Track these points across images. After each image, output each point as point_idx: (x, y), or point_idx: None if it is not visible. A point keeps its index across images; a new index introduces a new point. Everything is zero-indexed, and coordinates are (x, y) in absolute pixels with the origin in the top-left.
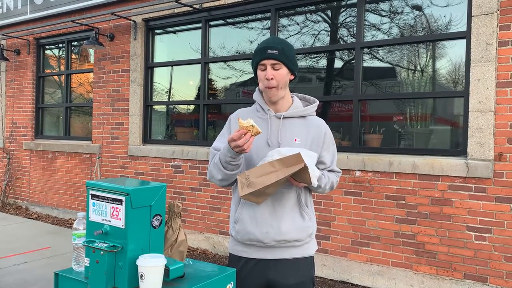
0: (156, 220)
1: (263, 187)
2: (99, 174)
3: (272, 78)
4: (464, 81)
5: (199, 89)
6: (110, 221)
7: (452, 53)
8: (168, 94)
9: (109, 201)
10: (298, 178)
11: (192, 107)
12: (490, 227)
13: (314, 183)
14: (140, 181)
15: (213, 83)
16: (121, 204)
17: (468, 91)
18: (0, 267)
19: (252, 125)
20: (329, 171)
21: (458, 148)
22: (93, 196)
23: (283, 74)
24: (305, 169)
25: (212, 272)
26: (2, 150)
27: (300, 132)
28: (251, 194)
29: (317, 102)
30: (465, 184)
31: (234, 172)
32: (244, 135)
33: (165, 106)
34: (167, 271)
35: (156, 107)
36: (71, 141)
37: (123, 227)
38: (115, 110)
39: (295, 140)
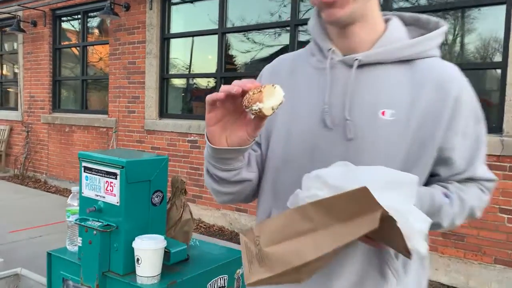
0: (157, 197)
1: (292, 268)
2: (115, 148)
3: None
4: (502, 51)
5: (216, 64)
6: (104, 197)
7: (488, 22)
8: (185, 67)
9: (103, 175)
10: (379, 239)
11: (209, 81)
12: None
13: (418, 249)
14: (139, 152)
15: (231, 56)
16: (116, 178)
17: (507, 62)
18: (15, 240)
19: (273, 86)
20: (464, 180)
21: (493, 124)
22: (86, 169)
23: None
24: (391, 226)
25: (220, 255)
26: (21, 123)
27: (397, 94)
28: (269, 279)
29: (444, 28)
30: (499, 163)
31: (232, 174)
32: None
33: (182, 79)
34: (167, 254)
35: (173, 81)
36: (88, 114)
37: (118, 204)
38: (131, 83)
39: (383, 113)
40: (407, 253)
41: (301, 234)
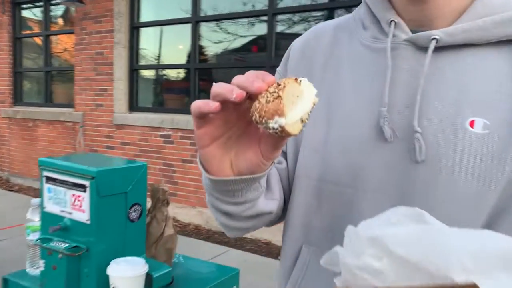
0: (135, 211)
1: None
2: (82, 144)
3: None
4: None
5: (189, 55)
6: (71, 213)
7: None
8: (156, 58)
9: (69, 187)
10: None
11: (182, 72)
12: None
13: None
14: (113, 158)
15: (204, 47)
16: (85, 191)
17: None
18: None
19: (297, 81)
20: None
21: None
22: (48, 179)
23: None
24: None
25: (209, 274)
26: None
27: (494, 96)
28: None
29: None
30: None
31: (241, 209)
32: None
33: (153, 71)
34: (149, 278)
35: (144, 72)
36: (52, 108)
37: (88, 222)
38: (99, 75)
39: (471, 123)
40: None
41: None
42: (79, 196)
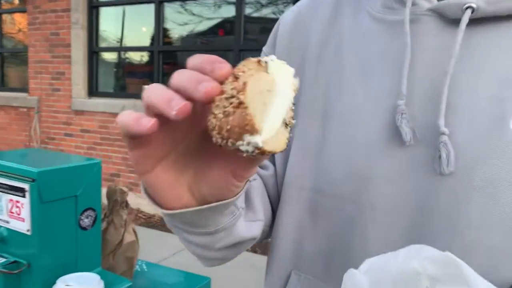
0: (87, 218)
1: None
2: (38, 131)
3: None
4: None
5: (153, 37)
6: (8, 222)
7: None
8: (117, 40)
9: (5, 190)
10: None
11: (145, 56)
12: None
13: None
14: (60, 154)
15: (169, 30)
16: (24, 196)
17: None
18: None
19: (261, 63)
20: None
21: None
22: None
23: None
24: None
25: (177, 284)
26: None
27: None
28: None
29: None
30: None
31: (230, 250)
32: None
33: (114, 54)
34: None
35: (105, 56)
36: (4, 93)
37: (28, 233)
38: (55, 57)
39: None
40: None
41: None
42: (17, 202)
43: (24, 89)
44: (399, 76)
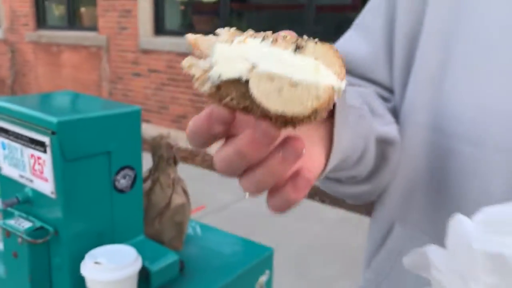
0: (124, 178)
1: None
2: (107, 71)
3: None
4: None
5: None
6: (32, 180)
7: None
8: None
9: (26, 143)
10: None
11: None
12: None
13: None
14: (93, 99)
15: None
16: (45, 152)
17: None
18: None
19: (235, 82)
20: None
21: None
22: (1, 129)
23: None
24: None
25: (235, 256)
26: (4, 43)
27: None
28: None
29: None
30: None
31: (362, 189)
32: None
33: None
34: (146, 273)
35: None
36: (76, 32)
37: (53, 196)
38: None
39: None
40: None
41: None
42: (39, 158)
43: (93, 28)
44: None
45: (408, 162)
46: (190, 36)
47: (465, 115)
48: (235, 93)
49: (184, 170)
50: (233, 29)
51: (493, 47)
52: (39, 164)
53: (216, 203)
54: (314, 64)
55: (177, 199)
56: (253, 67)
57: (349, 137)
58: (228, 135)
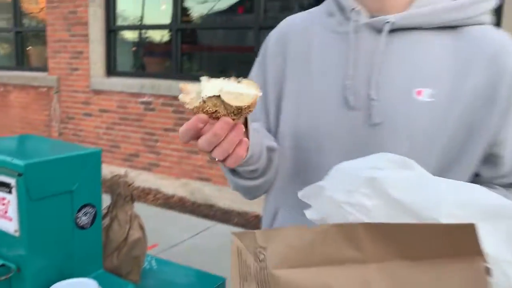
0: (85, 215)
1: None
2: (58, 111)
3: None
4: None
5: (172, 16)
6: None
7: None
8: (136, 18)
9: None
10: None
11: (164, 35)
12: None
13: None
14: (55, 142)
15: (188, 8)
16: (10, 192)
17: None
18: None
19: (215, 97)
20: (509, 185)
21: None
22: None
23: None
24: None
25: (190, 286)
26: None
27: (437, 70)
28: None
29: None
30: None
31: (258, 182)
32: (203, 123)
33: (133, 33)
34: None
35: (122, 33)
36: (25, 72)
37: (16, 234)
38: (73, 36)
39: (418, 93)
40: None
41: (336, 263)
42: (3, 199)
43: (43, 68)
44: (347, 65)
45: (283, 167)
46: (181, 84)
47: (311, 137)
48: (211, 102)
49: (136, 209)
50: (207, 77)
51: (318, 99)
52: (3, 204)
53: (168, 240)
54: (246, 86)
55: (134, 234)
56: (221, 89)
57: (254, 141)
58: (199, 135)
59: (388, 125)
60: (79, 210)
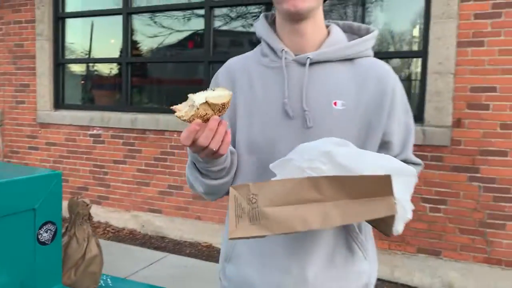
0: (46, 232)
1: (289, 232)
2: (1, 145)
3: None
4: (422, 40)
5: (121, 49)
6: None
7: (409, 11)
8: (85, 52)
9: None
10: (367, 219)
11: (113, 68)
12: (445, 198)
13: (398, 230)
14: (18, 167)
15: (137, 42)
16: None
17: (427, 50)
18: None
19: (204, 103)
20: None
21: (415, 114)
22: None
23: None
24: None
25: None
26: None
27: (345, 88)
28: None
29: (375, 33)
30: (420, 153)
31: (224, 180)
32: (199, 126)
33: (82, 66)
34: None
35: (72, 67)
36: None
37: None
38: (19, 69)
39: (335, 104)
40: (389, 233)
41: (306, 202)
42: None
43: None
44: (283, 89)
45: (243, 169)
46: (172, 107)
47: (262, 143)
48: (202, 108)
49: None
50: (192, 94)
51: (264, 114)
52: None
53: (119, 272)
54: (221, 89)
55: (92, 251)
56: (206, 96)
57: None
58: (195, 139)
59: (317, 127)
60: (41, 227)
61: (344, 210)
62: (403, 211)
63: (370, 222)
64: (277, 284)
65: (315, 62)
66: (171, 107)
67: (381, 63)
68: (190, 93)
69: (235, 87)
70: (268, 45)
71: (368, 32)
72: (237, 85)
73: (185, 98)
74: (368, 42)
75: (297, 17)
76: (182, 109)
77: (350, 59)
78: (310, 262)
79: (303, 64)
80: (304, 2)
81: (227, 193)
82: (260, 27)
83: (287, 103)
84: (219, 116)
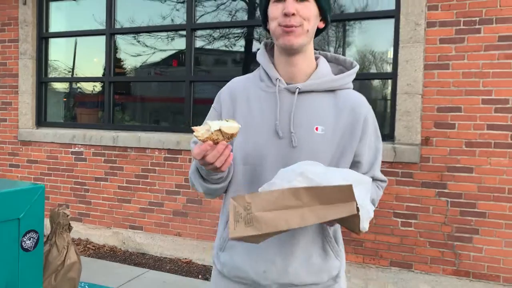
0: (29, 239)
1: (275, 232)
2: None
3: (293, 14)
4: (392, 63)
5: (104, 68)
6: None
7: (379, 34)
8: (67, 70)
9: None
10: (337, 221)
11: (96, 86)
12: (416, 213)
13: (365, 228)
14: (4, 180)
15: (120, 61)
16: None
17: (397, 72)
18: None
19: (217, 130)
20: None
21: (386, 132)
22: None
23: (310, 10)
24: (356, 215)
25: None
26: None
27: (325, 115)
28: (251, 237)
29: (356, 68)
30: (391, 170)
31: (221, 185)
32: (210, 147)
33: (65, 84)
34: None
35: (55, 85)
36: None
37: None
38: (2, 87)
39: (316, 129)
40: (358, 231)
41: (289, 208)
42: None
43: None
44: (275, 112)
45: (236, 179)
46: (193, 127)
47: (254, 155)
48: (215, 133)
49: None
50: (210, 121)
51: (257, 132)
52: None
53: None
54: (232, 122)
55: (71, 258)
56: (220, 125)
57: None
58: (205, 156)
59: (301, 147)
60: (24, 235)
61: (317, 212)
62: (366, 211)
63: (341, 223)
64: (264, 270)
65: (303, 92)
66: (192, 127)
67: (357, 95)
68: (174, 112)
69: (235, 105)
70: (265, 71)
71: (352, 66)
72: (237, 103)
73: (167, 116)
74: (350, 77)
75: (291, 51)
76: (199, 130)
77: (332, 91)
78: (292, 260)
79: (293, 92)
80: (297, 39)
81: (225, 191)
82: (260, 54)
83: (278, 125)
84: (226, 142)
